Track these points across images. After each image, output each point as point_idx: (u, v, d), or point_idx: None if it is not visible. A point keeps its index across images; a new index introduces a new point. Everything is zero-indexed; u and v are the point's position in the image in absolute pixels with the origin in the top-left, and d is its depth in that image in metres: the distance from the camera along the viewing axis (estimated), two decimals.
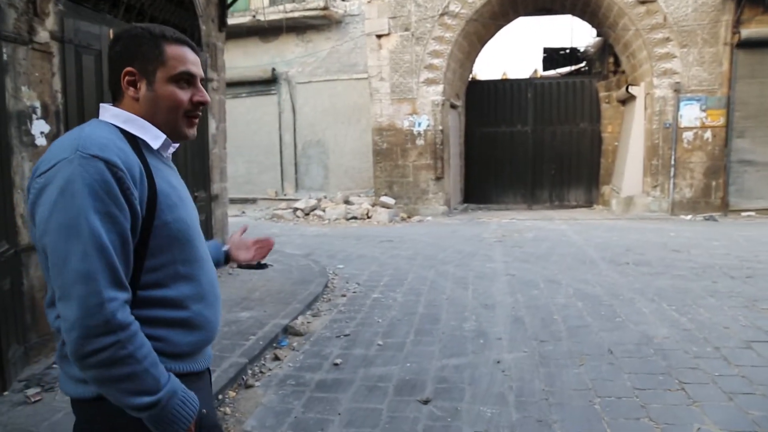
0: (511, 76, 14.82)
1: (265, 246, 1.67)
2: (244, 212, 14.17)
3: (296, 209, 12.56)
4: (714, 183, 10.53)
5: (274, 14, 14.15)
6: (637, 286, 5.52)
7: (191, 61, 1.24)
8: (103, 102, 1.31)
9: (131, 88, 1.21)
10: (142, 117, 1.21)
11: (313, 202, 12.78)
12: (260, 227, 10.81)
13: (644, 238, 8.30)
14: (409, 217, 11.80)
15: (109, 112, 1.22)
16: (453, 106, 12.99)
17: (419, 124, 11.93)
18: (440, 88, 11.79)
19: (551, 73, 16.70)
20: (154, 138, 1.22)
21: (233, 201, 15.46)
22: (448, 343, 4.05)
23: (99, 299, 1.03)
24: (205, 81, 6.57)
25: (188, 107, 1.25)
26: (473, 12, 11.54)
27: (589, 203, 13.80)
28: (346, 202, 12.63)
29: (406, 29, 11.84)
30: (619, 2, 10.70)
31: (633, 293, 5.24)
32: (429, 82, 11.83)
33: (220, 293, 1.33)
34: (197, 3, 6.12)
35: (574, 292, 5.36)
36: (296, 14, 13.99)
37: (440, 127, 11.88)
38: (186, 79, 1.23)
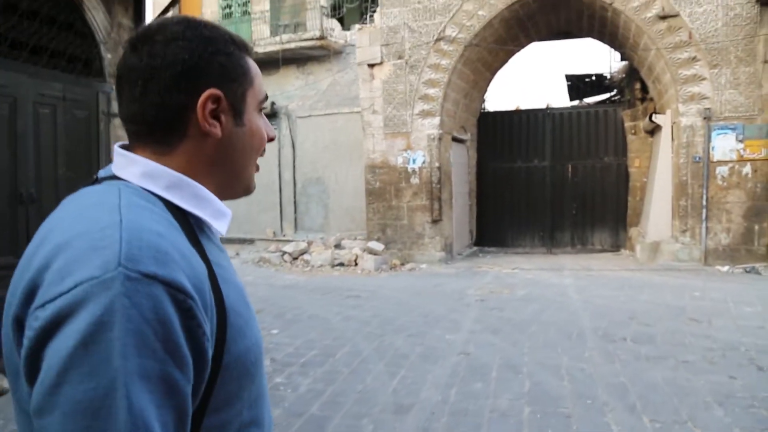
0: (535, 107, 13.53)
1: None
2: (238, 254, 13.30)
3: (284, 253, 11.53)
4: (757, 227, 8.75)
5: (272, 45, 13.48)
6: (622, 379, 4.08)
7: None
8: None
9: (216, 123, 0.71)
10: (200, 172, 0.71)
11: (303, 245, 11.73)
12: (241, 272, 9.80)
13: (658, 300, 6.72)
14: (402, 264, 10.53)
15: (137, 166, 0.69)
16: (458, 140, 11.77)
17: (414, 161, 10.75)
18: (436, 120, 10.61)
19: (577, 103, 15.30)
20: (217, 216, 0.73)
21: (231, 241, 14.68)
22: None
23: None
24: (112, 116, 5.70)
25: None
26: (472, 36, 10.39)
27: (615, 247, 12.13)
28: (337, 246, 11.52)
29: (400, 57, 10.81)
30: (636, 19, 9.31)
31: (610, 394, 3.81)
32: (424, 114, 10.69)
33: None
34: (96, 28, 5.28)
35: (530, 388, 3.98)
36: (293, 45, 13.25)
37: (437, 164, 10.65)
38: (262, 108, 0.81)
